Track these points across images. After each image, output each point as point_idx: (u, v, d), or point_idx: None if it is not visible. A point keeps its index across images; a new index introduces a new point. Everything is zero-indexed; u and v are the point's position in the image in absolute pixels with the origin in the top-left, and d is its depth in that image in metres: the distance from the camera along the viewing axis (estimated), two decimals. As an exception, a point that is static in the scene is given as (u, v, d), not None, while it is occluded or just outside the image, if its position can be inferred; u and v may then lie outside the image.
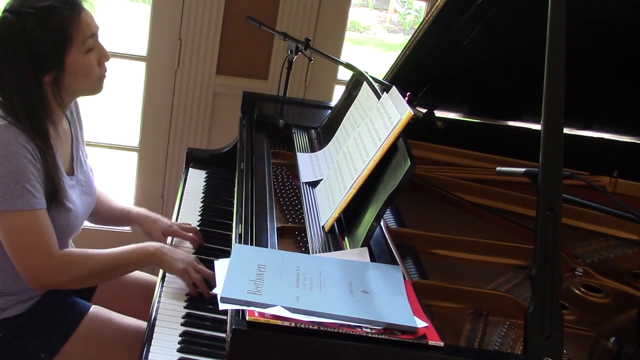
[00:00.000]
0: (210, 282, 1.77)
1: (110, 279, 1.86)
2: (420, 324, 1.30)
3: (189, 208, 2.22)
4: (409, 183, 1.55)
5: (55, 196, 1.72)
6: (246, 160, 2.07)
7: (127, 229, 3.22)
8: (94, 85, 1.78)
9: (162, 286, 1.80)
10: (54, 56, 1.67)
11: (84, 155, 1.94)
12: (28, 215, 1.65)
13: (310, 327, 1.25)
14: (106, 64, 1.78)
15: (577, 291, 1.75)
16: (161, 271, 1.88)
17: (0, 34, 1.66)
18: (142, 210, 2.09)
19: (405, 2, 9.35)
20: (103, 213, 2.09)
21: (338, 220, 1.67)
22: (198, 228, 2.09)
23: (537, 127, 1.54)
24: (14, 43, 1.65)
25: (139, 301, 1.94)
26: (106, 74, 1.79)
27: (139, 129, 3.16)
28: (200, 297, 1.76)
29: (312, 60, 2.49)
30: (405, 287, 1.43)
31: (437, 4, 2.03)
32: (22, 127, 1.66)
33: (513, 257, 1.81)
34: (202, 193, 2.32)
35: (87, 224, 2.15)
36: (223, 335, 1.63)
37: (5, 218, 1.65)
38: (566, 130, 1.49)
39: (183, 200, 2.26)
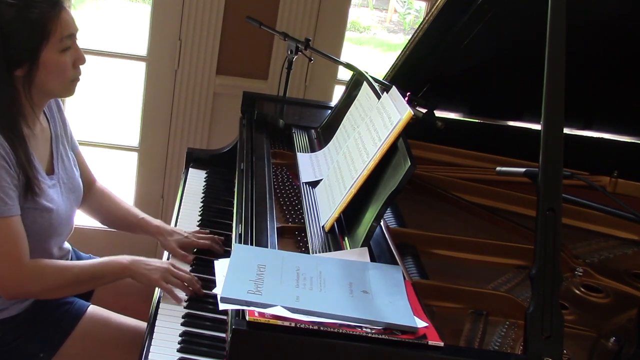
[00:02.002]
0: (192, 286, 1.75)
1: (83, 291, 1.82)
2: (420, 324, 1.30)
3: (189, 208, 2.22)
4: (409, 183, 1.55)
5: (29, 187, 1.69)
6: (246, 160, 2.07)
7: (127, 229, 3.23)
8: (66, 87, 1.75)
9: (162, 286, 1.80)
10: (29, 50, 1.65)
11: (68, 151, 1.90)
12: None
13: (310, 327, 1.25)
14: (82, 67, 1.75)
15: (577, 291, 1.75)
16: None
17: None
18: (160, 223, 2.05)
19: (405, 2, 9.35)
20: (119, 219, 2.08)
21: (338, 220, 1.67)
22: (198, 227, 2.09)
23: (537, 127, 1.54)
24: None
25: (138, 301, 1.94)
26: (80, 77, 1.76)
27: (139, 129, 3.16)
28: (196, 298, 1.75)
29: (312, 60, 2.49)
30: (405, 287, 1.43)
31: (437, 4, 2.03)
32: None
33: (513, 257, 1.81)
34: (202, 193, 2.32)
35: (86, 223, 2.15)
36: (223, 335, 1.63)
37: None
38: (566, 130, 1.49)
39: (183, 200, 2.26)
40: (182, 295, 1.75)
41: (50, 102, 1.87)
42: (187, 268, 1.90)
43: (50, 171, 1.82)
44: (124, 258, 1.78)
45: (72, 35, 1.71)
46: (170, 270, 1.76)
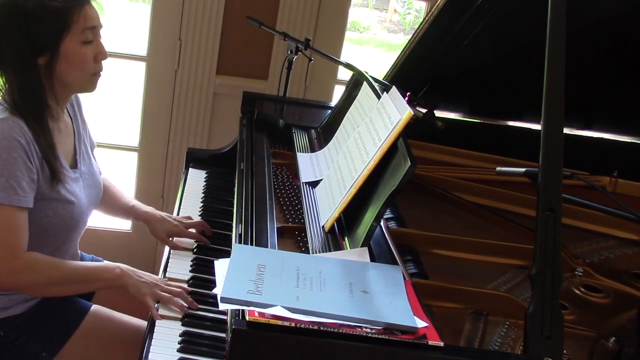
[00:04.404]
0: (184, 301, 1.72)
1: (72, 292, 1.82)
2: (420, 324, 1.30)
3: (189, 208, 2.22)
4: (409, 183, 1.55)
5: (54, 175, 1.71)
6: (246, 160, 2.07)
7: (127, 229, 3.23)
8: (87, 80, 1.77)
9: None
10: (50, 39, 1.68)
11: (89, 149, 1.94)
12: (3, 209, 1.64)
13: (310, 327, 1.25)
14: (104, 63, 1.78)
15: (577, 291, 1.75)
16: (161, 271, 1.88)
17: (1, 9, 1.69)
18: (149, 210, 2.09)
19: (405, 2, 9.35)
20: (111, 206, 2.11)
21: (338, 220, 1.67)
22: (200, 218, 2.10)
23: (537, 127, 1.54)
24: (14, 20, 1.67)
25: (140, 301, 1.94)
26: (101, 72, 1.79)
27: (139, 129, 3.16)
28: (196, 299, 1.74)
29: (312, 60, 2.49)
30: (405, 287, 1.43)
31: (437, 4, 2.03)
32: (18, 111, 1.66)
33: (513, 257, 1.81)
34: (202, 193, 2.32)
35: (88, 224, 2.15)
36: (223, 335, 1.63)
37: None
38: (566, 130, 1.49)
39: (183, 200, 2.26)
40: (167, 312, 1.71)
41: (72, 101, 1.89)
42: (187, 267, 1.91)
43: (74, 165, 1.85)
44: (118, 267, 1.78)
45: (94, 28, 1.74)
46: (159, 286, 1.75)
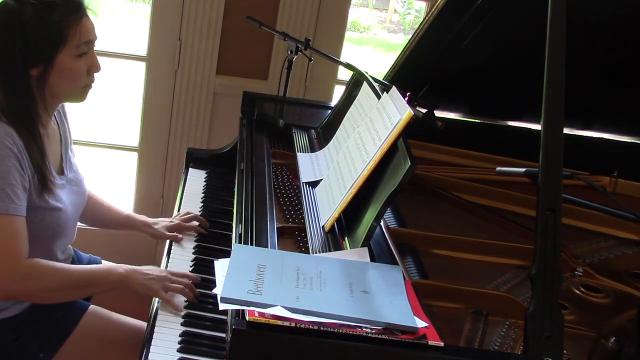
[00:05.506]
0: (190, 292, 1.74)
1: (77, 297, 1.81)
2: (420, 324, 1.30)
3: (189, 208, 2.21)
4: (409, 183, 1.55)
5: (44, 185, 1.71)
6: (246, 160, 2.07)
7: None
8: (78, 93, 1.77)
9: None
10: (45, 51, 1.67)
11: (73, 156, 1.93)
12: (1, 218, 1.63)
13: (310, 327, 1.25)
14: (96, 74, 1.78)
15: (577, 291, 1.75)
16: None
17: None
18: (143, 218, 2.13)
19: (405, 2, 9.35)
20: (106, 220, 2.12)
21: (338, 220, 1.67)
22: (198, 224, 2.10)
23: (537, 127, 1.54)
24: (9, 29, 1.66)
25: (139, 301, 1.93)
26: (93, 84, 1.79)
27: (139, 129, 3.16)
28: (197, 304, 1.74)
29: (312, 60, 2.49)
30: (405, 287, 1.43)
31: (437, 4, 2.03)
32: (9, 119, 1.66)
33: (513, 257, 1.81)
34: (202, 193, 2.32)
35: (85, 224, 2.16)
36: (223, 335, 1.63)
37: None
38: (566, 130, 1.49)
39: (183, 200, 2.26)
40: (182, 299, 1.74)
41: (58, 108, 1.88)
42: (187, 267, 1.91)
43: (60, 172, 1.84)
44: (122, 267, 1.76)
45: (90, 42, 1.74)
46: (169, 278, 1.75)
